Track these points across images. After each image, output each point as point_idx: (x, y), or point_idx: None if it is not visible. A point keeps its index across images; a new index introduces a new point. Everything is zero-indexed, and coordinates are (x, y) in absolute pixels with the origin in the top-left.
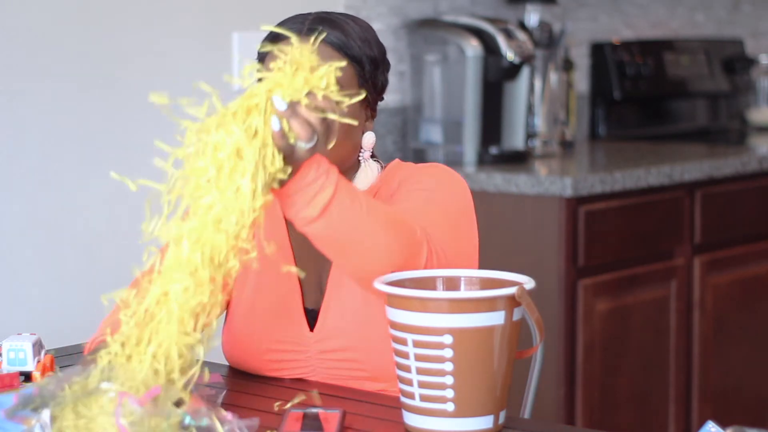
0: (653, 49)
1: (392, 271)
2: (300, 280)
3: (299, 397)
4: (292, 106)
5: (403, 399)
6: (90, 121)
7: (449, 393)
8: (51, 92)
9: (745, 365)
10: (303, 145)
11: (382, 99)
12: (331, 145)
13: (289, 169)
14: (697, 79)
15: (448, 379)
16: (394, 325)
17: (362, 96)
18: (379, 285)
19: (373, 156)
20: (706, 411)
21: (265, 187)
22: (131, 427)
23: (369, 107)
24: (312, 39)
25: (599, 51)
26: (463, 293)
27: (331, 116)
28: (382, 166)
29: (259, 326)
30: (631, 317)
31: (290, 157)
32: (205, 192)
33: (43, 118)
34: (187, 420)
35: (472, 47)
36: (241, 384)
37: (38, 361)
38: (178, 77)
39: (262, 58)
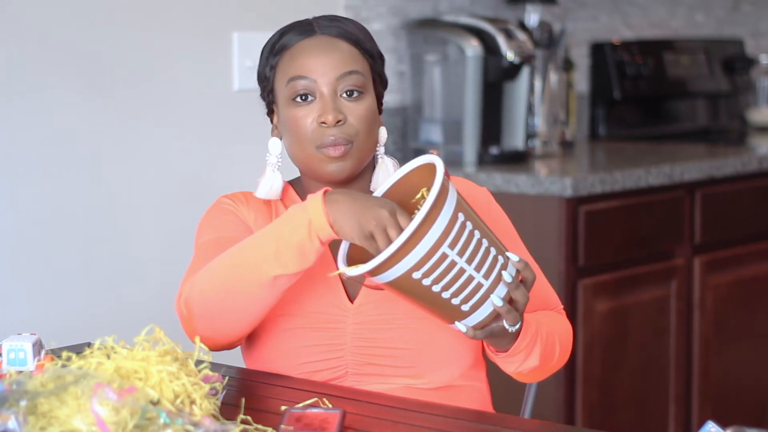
0: (653, 49)
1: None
2: (343, 282)
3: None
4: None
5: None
6: (90, 121)
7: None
8: (51, 93)
9: (745, 365)
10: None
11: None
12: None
13: None
14: (697, 79)
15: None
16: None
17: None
18: (348, 270)
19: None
20: (706, 411)
21: None
22: (106, 415)
23: (378, 102)
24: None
25: (599, 51)
26: (413, 221)
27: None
28: (396, 163)
29: (296, 309)
30: (631, 317)
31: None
32: None
33: (44, 119)
34: (163, 418)
35: (472, 47)
36: (242, 384)
37: (38, 361)
38: (179, 77)
39: (276, 51)
